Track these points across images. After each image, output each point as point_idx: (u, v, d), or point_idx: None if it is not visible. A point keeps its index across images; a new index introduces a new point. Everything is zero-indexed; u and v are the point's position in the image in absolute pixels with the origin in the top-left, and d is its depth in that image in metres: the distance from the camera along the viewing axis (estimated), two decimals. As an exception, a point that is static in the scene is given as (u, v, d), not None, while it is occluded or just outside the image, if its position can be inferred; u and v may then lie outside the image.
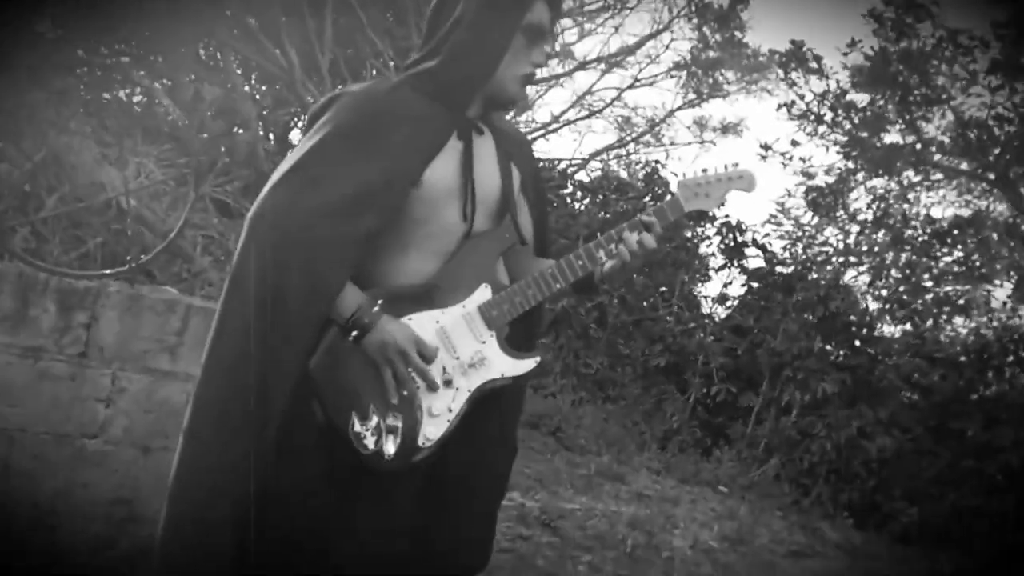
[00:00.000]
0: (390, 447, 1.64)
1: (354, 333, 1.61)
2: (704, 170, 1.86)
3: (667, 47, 9.93)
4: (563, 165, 9.96)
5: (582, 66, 9.92)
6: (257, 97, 9.31)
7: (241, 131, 8.11)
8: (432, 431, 1.66)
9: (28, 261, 2.73)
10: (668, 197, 1.87)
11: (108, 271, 2.82)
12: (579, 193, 9.13)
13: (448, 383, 1.68)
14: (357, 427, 1.64)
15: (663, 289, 8.18)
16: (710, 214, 8.40)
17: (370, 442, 1.64)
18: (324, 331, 1.63)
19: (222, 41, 7.71)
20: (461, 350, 1.70)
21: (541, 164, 9.86)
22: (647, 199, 8.53)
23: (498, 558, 3.95)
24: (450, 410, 1.68)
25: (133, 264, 2.83)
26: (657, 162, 9.49)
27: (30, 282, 2.64)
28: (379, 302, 1.63)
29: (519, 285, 1.74)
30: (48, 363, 2.66)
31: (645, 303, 8.20)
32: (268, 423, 1.58)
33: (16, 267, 2.67)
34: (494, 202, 1.78)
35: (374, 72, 8.05)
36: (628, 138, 10.84)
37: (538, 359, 1.78)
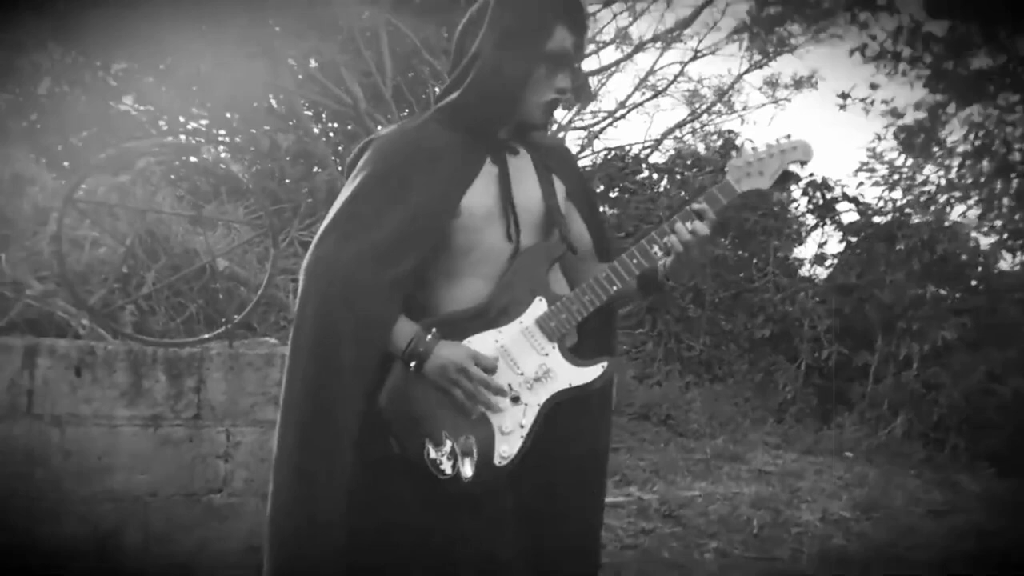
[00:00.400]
0: (467, 469, 1.67)
1: (413, 363, 1.65)
2: (754, 148, 1.82)
3: (723, 12, 9.66)
4: (635, 150, 9.83)
5: (640, 47, 9.77)
6: (330, 135, 9.60)
7: (319, 171, 8.40)
8: (506, 449, 1.69)
9: (136, 338, 2.91)
10: (719, 181, 1.82)
11: (208, 335, 2.98)
12: (655, 175, 9.01)
13: (516, 400, 1.70)
14: (432, 454, 1.68)
15: (756, 260, 7.99)
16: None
17: (447, 466, 1.68)
18: (387, 368, 1.69)
19: (289, 90, 8.01)
20: (524, 366, 1.72)
21: (612, 152, 9.79)
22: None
23: (623, 555, 3.96)
24: (521, 426, 1.70)
25: (229, 324, 2.98)
26: (730, 131, 9.28)
27: (140, 357, 2.82)
28: (433, 330, 1.67)
29: (575, 292, 1.74)
30: (167, 429, 2.84)
31: (740, 275, 8.03)
32: (338, 461, 1.65)
33: (126, 345, 2.86)
34: (539, 218, 1.79)
35: (436, 91, 8.16)
36: (699, 111, 10.62)
37: (605, 365, 1.75)
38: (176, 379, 2.85)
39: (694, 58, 10.11)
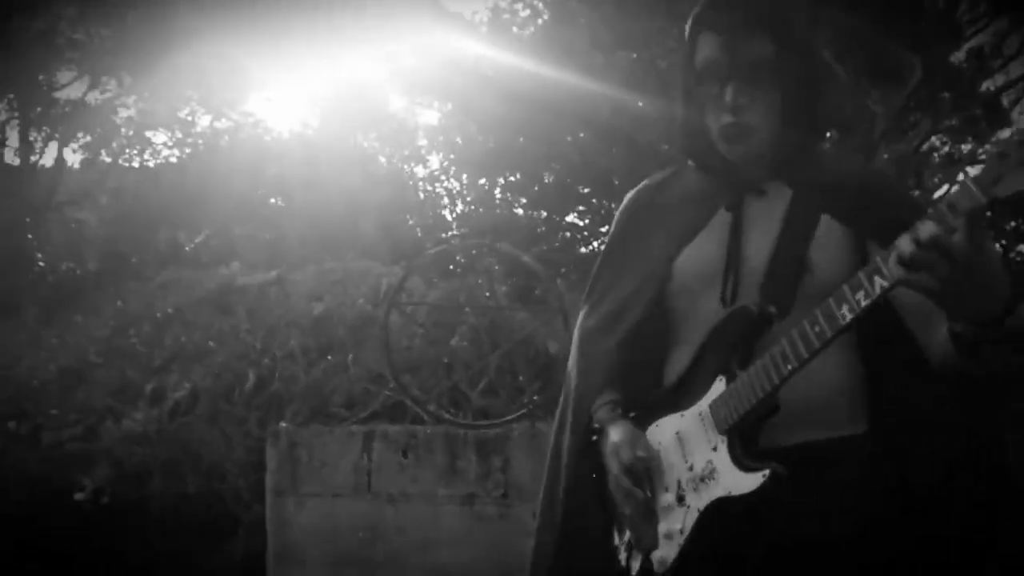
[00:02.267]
0: (635, 565, 1.47)
1: (593, 437, 1.54)
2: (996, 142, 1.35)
3: None
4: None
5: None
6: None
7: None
8: (663, 554, 1.40)
9: (451, 421, 3.17)
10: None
11: (511, 416, 3.12)
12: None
13: (681, 499, 1.41)
14: (616, 540, 1.53)
15: None
16: None
17: (623, 557, 1.49)
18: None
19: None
20: (696, 459, 1.40)
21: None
22: None
23: None
24: (681, 532, 1.40)
25: (531, 406, 3.10)
26: None
27: (454, 439, 3.06)
28: (620, 406, 1.52)
29: (751, 371, 1.33)
30: (480, 507, 3.00)
31: None
32: (556, 525, 1.60)
33: (443, 428, 3.12)
34: (763, 272, 1.44)
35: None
36: None
37: (767, 472, 1.30)
38: (485, 458, 3.02)
39: None
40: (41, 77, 12.92)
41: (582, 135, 8.87)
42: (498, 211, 10.90)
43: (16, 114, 13.11)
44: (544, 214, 10.72)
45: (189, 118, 14.17)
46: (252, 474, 3.21)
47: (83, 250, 12.81)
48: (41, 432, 3.48)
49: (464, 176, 12.55)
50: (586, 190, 10.31)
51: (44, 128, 13.38)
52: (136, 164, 14.12)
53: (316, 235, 10.61)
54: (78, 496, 3.01)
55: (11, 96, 13.07)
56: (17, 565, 2.88)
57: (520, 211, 11.06)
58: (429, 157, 13.44)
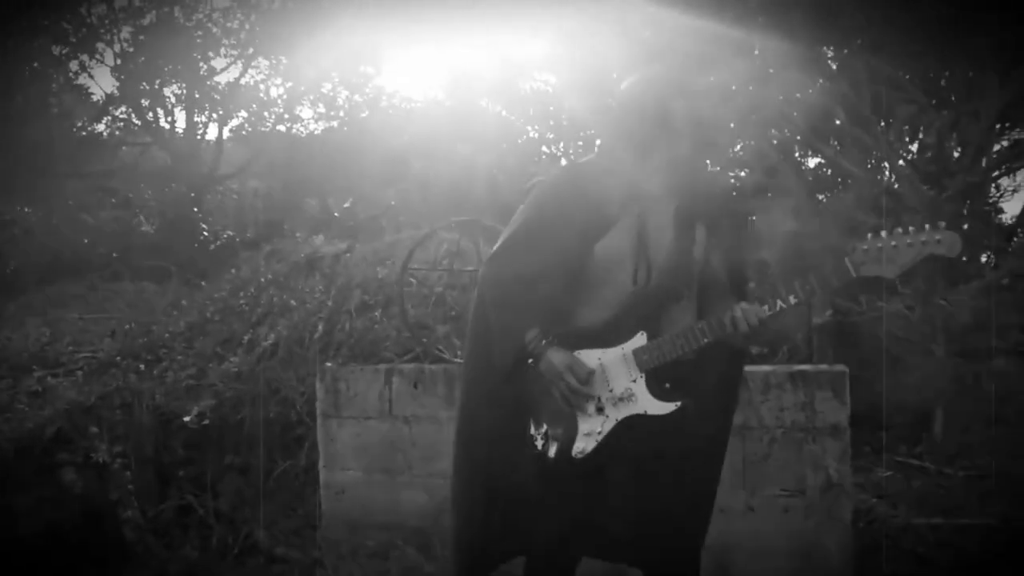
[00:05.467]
0: (552, 451, 2.06)
1: (530, 360, 2.06)
2: (891, 232, 1.78)
3: None
4: None
5: None
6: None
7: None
8: (582, 446, 2.03)
9: (449, 360, 3.95)
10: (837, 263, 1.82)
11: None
12: None
13: (600, 410, 2.02)
14: (532, 430, 2.10)
15: None
16: None
17: (539, 444, 2.09)
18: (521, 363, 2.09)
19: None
20: (615, 384, 2.01)
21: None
22: None
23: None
24: (599, 432, 2.02)
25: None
26: None
27: (451, 373, 3.85)
28: (550, 337, 2.04)
29: (671, 335, 1.98)
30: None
31: None
32: (479, 427, 2.19)
33: (442, 366, 3.91)
34: (668, 263, 2.04)
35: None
36: None
37: (679, 404, 1.99)
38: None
39: None
40: (202, 64, 14.45)
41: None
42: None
43: (183, 99, 14.78)
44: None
45: (331, 93, 15.24)
46: (313, 403, 4.15)
47: (243, 219, 14.26)
48: (167, 372, 4.60)
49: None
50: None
51: (206, 109, 14.95)
52: (286, 137, 15.22)
53: (457, 196, 10.94)
54: (186, 419, 4.06)
55: (179, 83, 14.74)
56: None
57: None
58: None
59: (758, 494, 3.16)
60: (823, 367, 3.17)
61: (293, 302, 4.95)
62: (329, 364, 4.08)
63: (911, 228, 1.72)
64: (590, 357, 2.02)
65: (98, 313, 6.87)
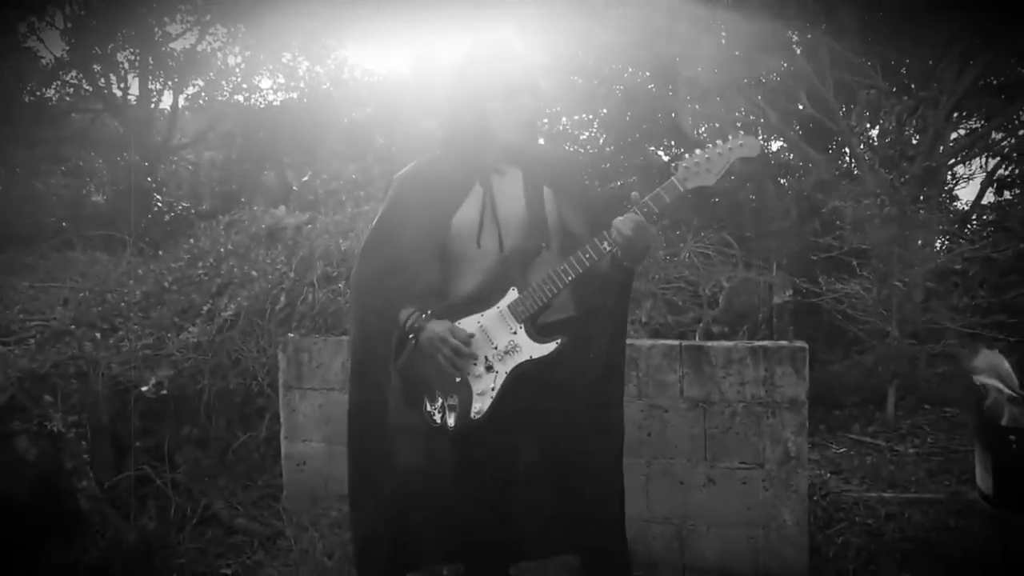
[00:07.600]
0: (451, 420, 2.17)
1: (411, 336, 2.22)
2: (704, 148, 2.02)
3: None
4: None
5: None
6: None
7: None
8: (479, 406, 2.14)
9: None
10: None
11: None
12: None
13: (489, 368, 2.15)
14: (428, 407, 2.22)
15: None
16: None
17: (437, 417, 2.20)
18: (403, 345, 2.26)
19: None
20: (498, 341, 2.15)
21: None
22: None
23: None
24: (492, 389, 2.14)
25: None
26: None
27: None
28: (428, 312, 2.21)
29: (539, 282, 2.13)
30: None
31: None
32: (370, 415, 2.32)
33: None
34: (523, 225, 2.21)
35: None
36: None
37: (559, 341, 2.13)
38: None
39: None
40: (156, 29, 14.05)
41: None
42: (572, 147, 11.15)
43: (136, 65, 14.36)
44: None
45: (291, 64, 14.94)
46: (275, 374, 4.11)
47: (198, 190, 13.99)
48: (123, 342, 4.51)
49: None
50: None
51: (160, 76, 14.56)
52: (244, 108, 14.89)
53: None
54: (143, 389, 3.98)
55: (133, 49, 14.32)
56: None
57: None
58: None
59: (718, 466, 3.21)
60: (783, 343, 3.23)
61: (254, 273, 4.88)
62: (291, 335, 4.03)
63: (718, 140, 2.00)
64: (470, 323, 2.15)
65: (49, 282, 6.69)
